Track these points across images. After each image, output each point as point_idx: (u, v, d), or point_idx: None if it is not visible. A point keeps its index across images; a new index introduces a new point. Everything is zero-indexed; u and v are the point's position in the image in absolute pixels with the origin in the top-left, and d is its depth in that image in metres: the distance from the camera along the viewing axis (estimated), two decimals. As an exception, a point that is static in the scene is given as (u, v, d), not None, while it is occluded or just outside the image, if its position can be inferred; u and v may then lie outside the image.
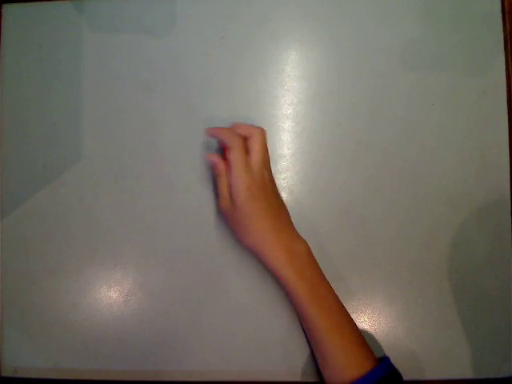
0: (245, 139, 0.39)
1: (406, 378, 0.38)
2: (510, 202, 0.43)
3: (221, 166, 0.39)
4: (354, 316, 0.39)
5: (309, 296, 0.37)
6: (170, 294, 0.43)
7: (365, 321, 0.42)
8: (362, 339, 0.38)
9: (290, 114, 0.44)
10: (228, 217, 0.40)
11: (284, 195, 0.43)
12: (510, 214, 0.43)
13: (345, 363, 0.37)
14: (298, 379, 0.42)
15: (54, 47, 0.45)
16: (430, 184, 0.43)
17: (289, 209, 0.42)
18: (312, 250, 0.40)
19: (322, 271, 0.39)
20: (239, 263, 0.43)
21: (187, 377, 0.43)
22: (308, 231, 0.41)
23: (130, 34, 0.45)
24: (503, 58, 0.43)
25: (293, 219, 0.41)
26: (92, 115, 0.45)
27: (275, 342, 0.42)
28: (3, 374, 0.44)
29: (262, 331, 0.43)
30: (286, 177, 0.44)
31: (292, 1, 0.45)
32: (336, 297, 0.39)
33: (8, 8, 0.46)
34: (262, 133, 0.40)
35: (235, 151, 0.38)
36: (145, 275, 0.44)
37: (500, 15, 0.44)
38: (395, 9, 0.44)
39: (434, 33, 0.44)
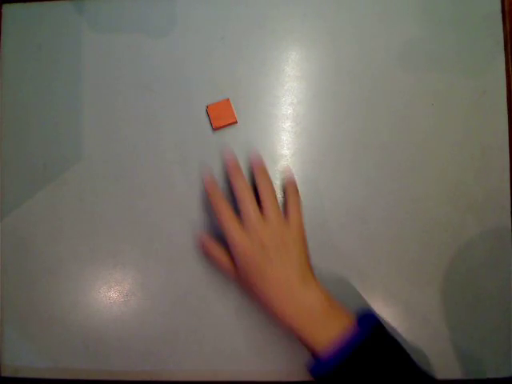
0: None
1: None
2: (510, 201, 0.43)
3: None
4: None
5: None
6: (170, 293, 0.43)
7: (365, 321, 0.42)
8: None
9: (289, 114, 0.44)
10: (234, 277, 0.40)
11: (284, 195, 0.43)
12: (510, 213, 0.43)
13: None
14: (298, 379, 0.42)
15: (53, 47, 0.45)
16: (430, 184, 0.43)
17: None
18: (312, 250, 0.40)
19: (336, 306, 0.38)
20: (239, 263, 0.43)
21: (187, 377, 0.43)
22: (308, 231, 0.41)
23: (130, 34, 0.45)
24: (503, 58, 0.43)
25: (293, 219, 0.41)
26: (92, 115, 0.45)
27: (275, 341, 0.42)
28: (3, 374, 0.44)
29: (262, 331, 0.43)
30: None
31: (292, 1, 0.44)
32: None
33: (8, 8, 0.46)
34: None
35: (245, 207, 0.39)
36: (145, 275, 0.44)
37: (500, 15, 0.44)
38: (395, 9, 0.44)
39: (434, 33, 0.44)
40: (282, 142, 0.44)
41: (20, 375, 0.44)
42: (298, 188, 0.43)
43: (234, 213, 0.39)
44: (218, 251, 0.41)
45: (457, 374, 0.42)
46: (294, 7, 0.44)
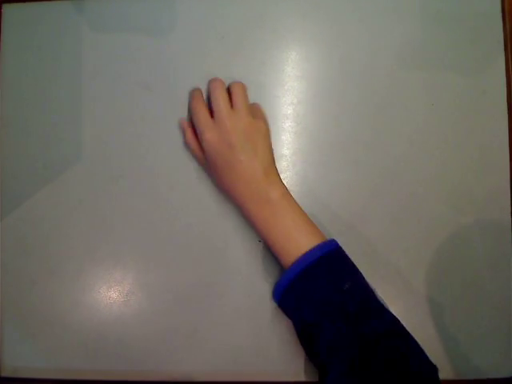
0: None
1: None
2: (510, 201, 0.43)
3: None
4: (354, 316, 0.39)
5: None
6: (170, 293, 0.43)
7: (365, 321, 0.42)
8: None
9: (289, 114, 0.44)
10: (204, 164, 0.42)
11: (284, 195, 0.43)
12: (510, 213, 0.43)
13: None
14: (298, 379, 0.42)
15: (54, 47, 0.45)
16: (429, 184, 0.43)
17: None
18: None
19: (299, 212, 0.40)
20: (239, 263, 0.43)
21: (187, 377, 0.43)
22: (308, 231, 0.41)
23: (130, 34, 0.45)
24: (503, 58, 0.43)
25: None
26: (92, 115, 0.45)
27: (275, 341, 0.42)
28: (3, 374, 0.44)
29: (262, 331, 0.43)
30: (286, 177, 0.44)
31: (292, 1, 0.44)
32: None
33: (8, 8, 0.46)
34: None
35: (217, 98, 0.40)
36: (145, 275, 0.44)
37: (500, 15, 0.44)
38: (395, 9, 0.44)
39: (434, 33, 0.44)
40: (282, 142, 0.44)
41: (20, 375, 0.44)
42: (298, 187, 0.43)
43: (208, 111, 0.40)
44: (194, 142, 0.42)
45: (457, 375, 0.42)
46: (294, 6, 0.44)
